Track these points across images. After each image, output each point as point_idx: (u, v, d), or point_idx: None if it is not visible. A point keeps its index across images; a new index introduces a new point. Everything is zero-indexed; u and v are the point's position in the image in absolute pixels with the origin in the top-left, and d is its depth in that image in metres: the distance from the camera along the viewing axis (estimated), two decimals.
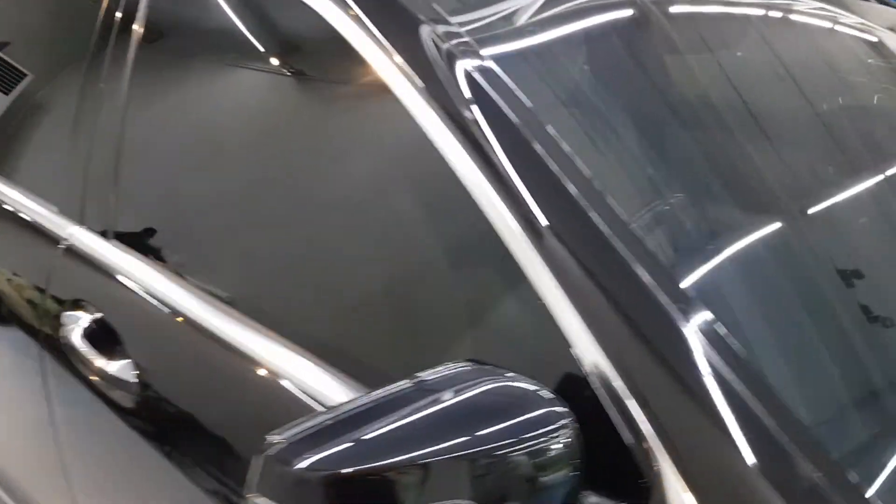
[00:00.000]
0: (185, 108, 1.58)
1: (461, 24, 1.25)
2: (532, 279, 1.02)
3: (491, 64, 1.18)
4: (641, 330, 0.96)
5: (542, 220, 1.03)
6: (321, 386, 1.18)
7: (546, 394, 0.96)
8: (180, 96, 1.59)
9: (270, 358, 1.25)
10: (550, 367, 1.00)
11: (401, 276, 1.22)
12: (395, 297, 1.22)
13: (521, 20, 1.34)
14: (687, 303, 0.98)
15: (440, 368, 0.98)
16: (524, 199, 1.05)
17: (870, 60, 1.73)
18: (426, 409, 0.91)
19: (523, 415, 0.93)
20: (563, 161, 1.08)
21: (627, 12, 1.44)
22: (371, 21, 1.23)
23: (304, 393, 1.19)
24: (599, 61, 1.35)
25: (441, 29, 1.22)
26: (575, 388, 0.97)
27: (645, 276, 0.98)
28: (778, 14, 1.69)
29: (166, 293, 1.42)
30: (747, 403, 0.92)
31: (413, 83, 1.17)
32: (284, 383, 1.22)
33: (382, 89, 1.19)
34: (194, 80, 1.59)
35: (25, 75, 1.90)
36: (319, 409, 1.12)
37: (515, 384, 0.96)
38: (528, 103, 1.14)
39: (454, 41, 1.21)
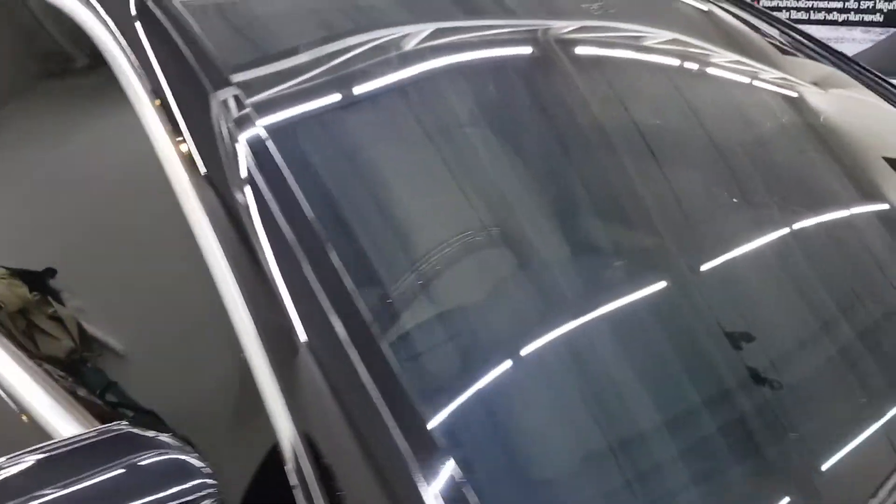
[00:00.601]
0: None
1: (246, 88, 1.18)
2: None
3: (266, 139, 1.11)
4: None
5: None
6: None
7: (193, 462, 0.90)
8: None
9: None
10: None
11: None
12: None
13: (314, 75, 1.27)
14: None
15: (92, 431, 0.93)
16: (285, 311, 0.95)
17: (783, 117, 1.66)
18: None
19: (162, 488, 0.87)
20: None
21: (426, 68, 1.36)
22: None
23: None
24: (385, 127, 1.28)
25: (224, 98, 1.15)
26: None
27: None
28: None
29: None
30: None
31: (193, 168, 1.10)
32: None
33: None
34: None
35: None
36: None
37: (163, 457, 0.90)
38: (300, 185, 1.06)
39: (236, 112, 1.13)
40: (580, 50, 1.55)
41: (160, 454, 0.89)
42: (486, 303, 1.11)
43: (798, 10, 7.69)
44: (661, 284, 1.21)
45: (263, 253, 0.99)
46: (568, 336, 1.10)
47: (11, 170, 1.56)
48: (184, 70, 1.18)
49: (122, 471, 0.87)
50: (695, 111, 1.57)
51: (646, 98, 1.53)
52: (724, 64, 1.73)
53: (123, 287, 1.25)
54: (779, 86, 1.74)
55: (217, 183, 1.07)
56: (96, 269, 1.32)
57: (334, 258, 0.99)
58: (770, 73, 1.76)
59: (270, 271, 0.97)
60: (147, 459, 0.88)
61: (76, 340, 1.28)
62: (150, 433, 0.91)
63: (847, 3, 7.48)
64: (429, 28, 1.42)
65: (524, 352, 1.06)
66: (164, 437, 0.91)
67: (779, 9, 7.68)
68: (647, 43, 1.67)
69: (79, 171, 1.40)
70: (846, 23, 7.52)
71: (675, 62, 1.67)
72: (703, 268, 1.28)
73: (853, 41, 7.03)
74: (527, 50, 1.50)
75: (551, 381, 1.06)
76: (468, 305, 1.11)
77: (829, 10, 7.56)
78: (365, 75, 1.29)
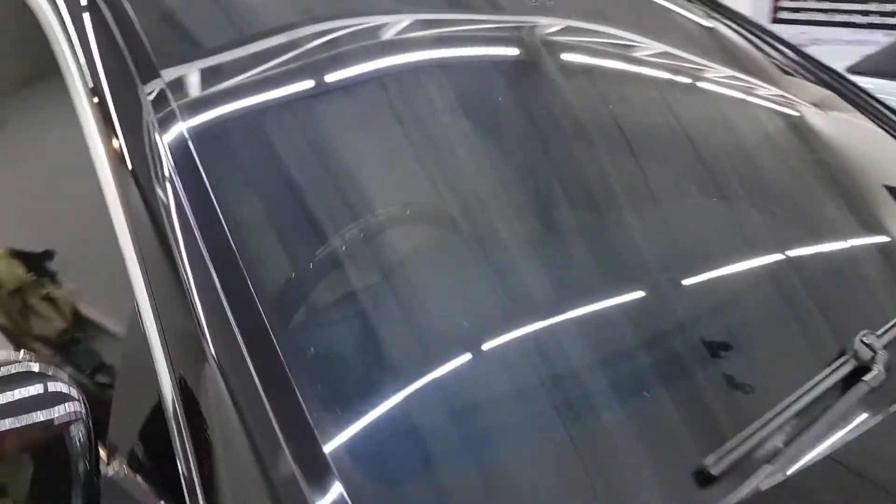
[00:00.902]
0: None
1: (174, 83, 1.23)
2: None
3: (186, 137, 1.17)
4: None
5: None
6: None
7: (70, 391, 0.99)
8: None
9: None
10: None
11: None
12: None
13: (242, 72, 1.32)
14: None
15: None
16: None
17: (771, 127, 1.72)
18: None
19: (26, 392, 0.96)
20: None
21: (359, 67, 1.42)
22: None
23: None
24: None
25: (150, 91, 1.21)
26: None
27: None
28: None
29: None
30: None
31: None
32: None
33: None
34: None
35: None
36: None
37: (45, 384, 0.98)
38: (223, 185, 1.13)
39: (160, 110, 1.19)
40: (529, 39, 1.61)
41: (44, 383, 0.98)
42: (393, 311, 1.18)
43: (819, 11, 7.65)
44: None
45: (178, 256, 1.06)
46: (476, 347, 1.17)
47: (15, 153, 1.63)
48: (118, 62, 1.25)
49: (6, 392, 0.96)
50: (653, 97, 1.64)
51: (598, 78, 1.60)
52: (696, 63, 1.80)
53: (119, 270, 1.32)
54: (752, 93, 1.79)
55: (140, 178, 1.13)
56: (94, 252, 1.39)
57: (240, 265, 1.06)
58: (744, 79, 1.82)
59: (183, 277, 1.04)
60: (31, 385, 0.97)
61: (68, 321, 1.34)
62: (48, 367, 1.00)
63: (869, 6, 7.44)
64: (363, 23, 1.49)
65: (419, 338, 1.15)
66: (54, 371, 1.00)
67: (800, 10, 7.66)
68: (620, 42, 1.74)
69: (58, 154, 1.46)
70: (869, 26, 7.48)
71: (644, 58, 1.74)
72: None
73: (876, 44, 7.00)
74: (457, 41, 1.57)
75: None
76: (375, 309, 1.17)
77: (850, 13, 7.53)
78: (294, 74, 1.35)
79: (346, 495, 0.92)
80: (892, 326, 1.32)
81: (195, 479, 0.97)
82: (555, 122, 1.49)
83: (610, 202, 1.42)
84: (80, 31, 1.31)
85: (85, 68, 1.26)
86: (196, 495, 0.97)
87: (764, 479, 1.06)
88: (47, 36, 1.35)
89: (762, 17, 8.07)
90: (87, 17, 1.32)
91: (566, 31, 1.71)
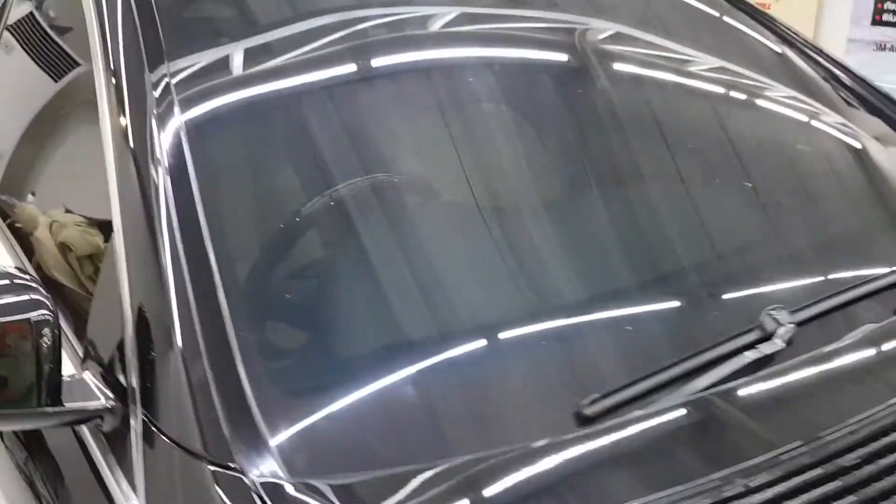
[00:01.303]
0: None
1: (174, 74, 1.38)
2: None
3: (184, 124, 1.33)
4: None
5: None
6: None
7: (40, 296, 1.14)
8: None
9: None
10: None
11: None
12: None
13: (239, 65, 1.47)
14: None
15: None
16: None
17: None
18: None
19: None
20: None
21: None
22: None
23: None
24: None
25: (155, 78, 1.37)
26: None
27: None
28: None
29: None
30: None
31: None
32: None
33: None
34: None
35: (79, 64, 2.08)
36: None
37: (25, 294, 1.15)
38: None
39: (161, 95, 1.34)
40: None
41: (26, 293, 1.16)
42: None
43: None
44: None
45: (159, 240, 1.23)
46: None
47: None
48: (133, 46, 1.42)
49: None
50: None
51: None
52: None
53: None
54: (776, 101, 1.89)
55: (138, 157, 1.31)
56: None
57: (202, 229, 1.23)
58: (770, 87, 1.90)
59: (161, 263, 1.22)
60: (13, 293, 1.15)
61: None
62: (27, 278, 1.19)
63: None
64: (360, 20, 1.64)
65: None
66: (33, 283, 1.18)
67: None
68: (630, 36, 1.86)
69: None
70: None
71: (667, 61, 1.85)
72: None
73: None
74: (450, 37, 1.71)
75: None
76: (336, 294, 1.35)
77: None
78: (288, 71, 1.51)
79: (259, 415, 1.10)
80: (808, 305, 1.41)
81: (136, 389, 1.17)
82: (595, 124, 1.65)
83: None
84: (109, 14, 1.50)
85: (109, 51, 1.45)
86: (136, 401, 1.17)
87: (629, 423, 1.19)
88: (84, 16, 1.55)
89: (864, 18, 7.88)
90: (111, 3, 1.51)
91: (614, 37, 1.84)
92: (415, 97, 1.62)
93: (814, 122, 1.92)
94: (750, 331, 1.34)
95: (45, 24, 2.06)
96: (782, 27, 2.06)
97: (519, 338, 1.33)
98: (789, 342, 1.33)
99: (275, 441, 1.10)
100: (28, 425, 1.27)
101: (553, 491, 1.12)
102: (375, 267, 1.37)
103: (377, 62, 1.65)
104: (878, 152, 1.85)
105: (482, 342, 1.31)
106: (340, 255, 1.41)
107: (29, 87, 2.02)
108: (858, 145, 1.85)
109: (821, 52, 2.01)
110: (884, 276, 1.49)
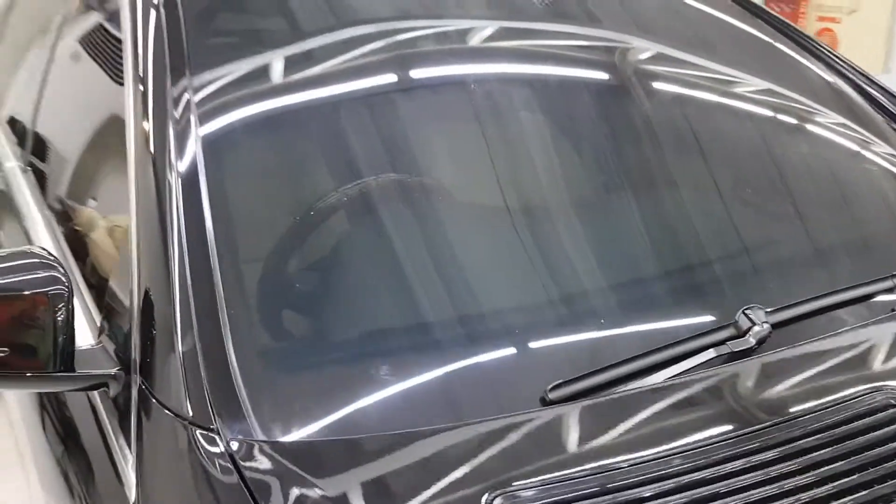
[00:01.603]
0: None
1: (195, 89, 1.51)
2: None
3: (197, 138, 1.45)
4: None
5: None
6: None
7: (58, 272, 1.26)
8: None
9: None
10: None
11: None
12: None
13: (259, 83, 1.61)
14: None
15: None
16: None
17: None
18: None
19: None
20: None
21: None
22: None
23: None
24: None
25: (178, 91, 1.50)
26: None
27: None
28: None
29: None
30: None
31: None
32: None
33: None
34: None
35: None
36: None
37: (43, 271, 1.27)
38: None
39: (184, 108, 1.47)
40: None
41: (42, 267, 1.29)
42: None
43: None
44: None
45: (168, 235, 1.36)
46: None
47: None
48: (160, 59, 1.56)
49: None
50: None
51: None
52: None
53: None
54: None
55: (156, 165, 1.44)
56: None
57: (207, 227, 1.37)
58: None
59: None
60: (33, 270, 1.28)
61: None
62: (51, 258, 1.31)
63: None
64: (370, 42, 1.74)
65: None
66: (51, 260, 1.30)
67: None
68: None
69: None
70: None
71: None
72: None
73: None
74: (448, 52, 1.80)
75: None
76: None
77: None
78: (294, 89, 1.63)
79: (240, 385, 1.23)
80: (784, 307, 1.46)
81: (137, 360, 1.31)
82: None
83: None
84: (143, 27, 1.64)
85: (139, 62, 1.59)
86: (136, 370, 1.30)
87: (588, 406, 1.28)
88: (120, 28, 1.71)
89: None
90: (146, 15, 1.65)
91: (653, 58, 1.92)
92: (436, 113, 1.72)
93: (849, 143, 1.95)
94: (724, 328, 1.40)
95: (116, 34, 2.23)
96: (816, 45, 2.10)
97: (492, 324, 1.42)
98: (761, 342, 1.39)
99: (251, 407, 1.21)
100: (44, 389, 1.42)
101: (504, 461, 1.20)
102: (348, 259, 1.50)
103: (400, 78, 1.75)
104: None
105: (454, 324, 1.41)
106: (317, 253, 1.53)
107: (97, 94, 2.20)
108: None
109: (858, 73, 2.04)
110: (860, 285, 1.53)
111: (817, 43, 2.13)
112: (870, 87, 1.99)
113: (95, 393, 1.39)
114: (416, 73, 1.77)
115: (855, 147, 1.93)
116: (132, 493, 1.23)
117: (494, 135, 1.65)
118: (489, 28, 1.90)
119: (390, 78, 1.74)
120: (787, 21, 2.20)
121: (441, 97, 1.74)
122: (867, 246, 1.73)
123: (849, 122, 1.93)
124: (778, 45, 2.07)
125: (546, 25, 1.94)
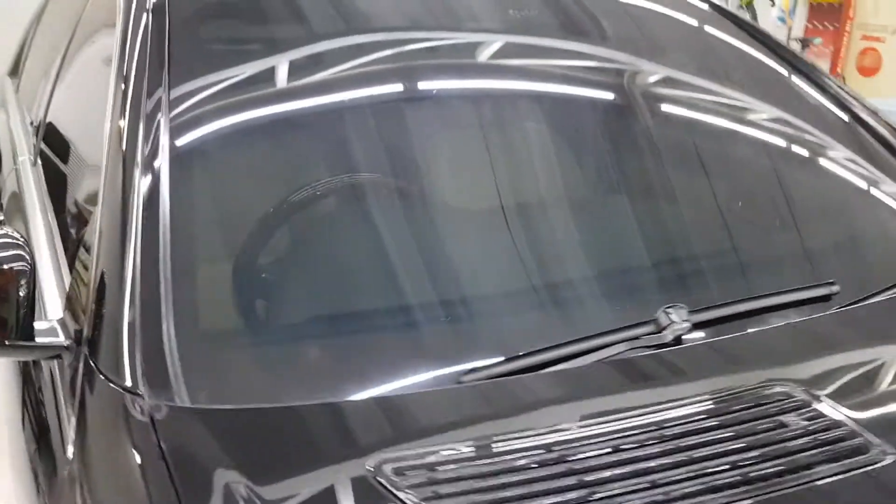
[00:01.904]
0: None
1: (171, 94, 1.60)
2: None
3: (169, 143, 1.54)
4: None
5: None
6: None
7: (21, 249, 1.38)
8: None
9: None
10: None
11: None
12: None
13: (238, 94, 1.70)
14: None
15: None
16: None
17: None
18: None
19: None
20: None
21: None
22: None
23: None
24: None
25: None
26: None
27: None
28: None
29: None
30: None
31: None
32: None
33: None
34: None
35: None
36: None
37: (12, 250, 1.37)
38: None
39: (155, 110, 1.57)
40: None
41: (9, 247, 1.40)
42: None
43: None
44: None
45: (127, 225, 1.47)
46: None
47: None
48: (140, 64, 1.68)
49: None
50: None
51: None
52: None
53: None
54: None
55: (126, 161, 1.55)
56: None
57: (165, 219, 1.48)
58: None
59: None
60: (7, 249, 1.39)
61: None
62: (19, 238, 1.42)
63: None
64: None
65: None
66: (15, 237, 1.42)
67: None
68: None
69: None
70: None
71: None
72: None
73: None
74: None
75: None
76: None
77: None
78: (266, 102, 1.73)
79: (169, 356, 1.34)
80: (708, 308, 1.52)
81: (85, 333, 1.43)
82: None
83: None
84: (132, 31, 1.76)
85: (124, 63, 1.70)
86: (83, 342, 1.42)
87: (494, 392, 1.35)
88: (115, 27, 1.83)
89: None
90: (137, 18, 1.77)
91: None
92: (424, 128, 1.81)
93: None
94: (645, 324, 1.47)
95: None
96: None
97: (414, 306, 1.53)
98: (677, 340, 1.45)
99: (180, 376, 1.32)
100: (6, 356, 1.54)
101: (412, 429, 1.31)
102: (281, 244, 1.61)
103: (375, 88, 1.83)
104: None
105: (375, 302, 1.52)
106: (252, 249, 1.62)
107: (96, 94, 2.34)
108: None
109: (857, 101, 2.09)
110: (786, 291, 1.59)
111: (800, 59, 2.18)
112: (862, 112, 2.04)
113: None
114: (392, 84, 1.86)
115: (808, 155, 1.98)
116: (69, 452, 1.33)
117: (433, 130, 1.76)
118: (457, 38, 1.99)
119: (365, 88, 1.82)
120: (778, 40, 2.25)
121: (409, 106, 1.83)
122: (811, 253, 1.77)
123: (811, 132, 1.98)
124: (760, 57, 2.12)
125: (535, 40, 2.02)
